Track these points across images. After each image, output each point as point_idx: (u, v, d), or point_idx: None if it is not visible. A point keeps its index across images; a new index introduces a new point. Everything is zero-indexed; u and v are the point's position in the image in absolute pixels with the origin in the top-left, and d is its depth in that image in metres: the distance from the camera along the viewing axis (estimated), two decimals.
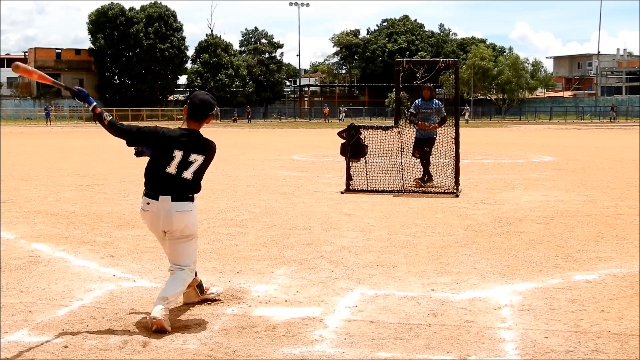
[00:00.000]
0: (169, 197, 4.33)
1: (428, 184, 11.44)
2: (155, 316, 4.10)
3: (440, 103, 11.69)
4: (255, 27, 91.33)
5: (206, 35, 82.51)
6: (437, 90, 12.19)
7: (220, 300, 4.79)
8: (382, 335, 4.06)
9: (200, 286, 4.75)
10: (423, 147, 11.55)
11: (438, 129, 11.44)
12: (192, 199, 4.42)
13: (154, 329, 4.12)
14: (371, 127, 11.93)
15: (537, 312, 4.49)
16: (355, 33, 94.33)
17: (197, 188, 4.47)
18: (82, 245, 6.72)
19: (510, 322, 4.30)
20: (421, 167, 11.74)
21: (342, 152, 11.25)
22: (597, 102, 77.08)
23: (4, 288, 5.11)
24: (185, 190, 4.39)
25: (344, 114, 63.01)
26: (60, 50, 78.33)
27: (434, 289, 5.09)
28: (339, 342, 3.95)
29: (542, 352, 3.78)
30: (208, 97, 4.53)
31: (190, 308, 4.63)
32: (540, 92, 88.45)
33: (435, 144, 11.63)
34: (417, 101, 11.63)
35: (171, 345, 3.91)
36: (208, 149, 4.47)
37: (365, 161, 11.19)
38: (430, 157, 11.66)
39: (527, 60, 79.34)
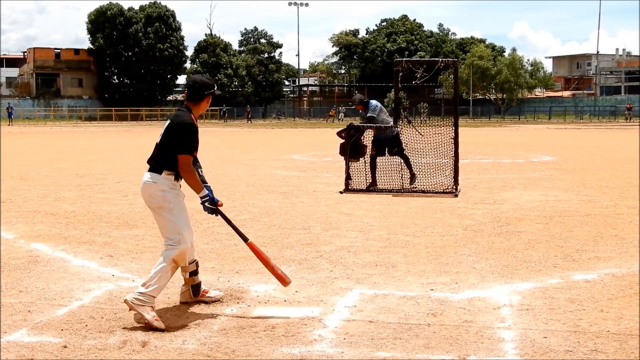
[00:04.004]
0: (148, 167, 4.50)
1: (412, 186, 10.97)
2: (126, 298, 4.28)
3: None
4: (255, 27, 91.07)
5: (205, 35, 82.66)
6: (436, 90, 12.12)
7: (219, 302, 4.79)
8: (382, 335, 4.06)
9: (196, 287, 4.70)
10: (392, 148, 11.06)
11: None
12: (158, 171, 4.39)
13: (130, 310, 4.30)
14: (370, 127, 11.92)
15: (536, 312, 4.49)
16: (355, 33, 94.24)
17: (163, 160, 4.39)
18: (81, 245, 6.72)
19: (510, 322, 4.30)
20: (405, 167, 11.12)
21: (342, 152, 11.24)
22: (597, 102, 77.06)
23: (3, 288, 5.11)
24: (155, 161, 4.44)
25: (343, 114, 62.98)
26: (59, 50, 78.22)
27: (433, 288, 5.10)
28: (338, 342, 3.95)
29: (541, 351, 3.79)
30: (203, 78, 4.59)
31: (189, 308, 4.63)
32: (540, 92, 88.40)
33: (435, 144, 11.54)
34: (363, 113, 11.28)
35: (170, 345, 3.91)
36: (170, 122, 4.45)
37: (365, 161, 11.18)
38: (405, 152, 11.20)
39: (528, 60, 79.46)
